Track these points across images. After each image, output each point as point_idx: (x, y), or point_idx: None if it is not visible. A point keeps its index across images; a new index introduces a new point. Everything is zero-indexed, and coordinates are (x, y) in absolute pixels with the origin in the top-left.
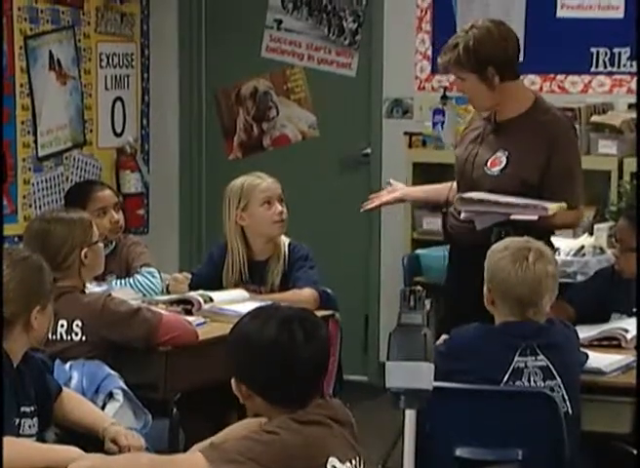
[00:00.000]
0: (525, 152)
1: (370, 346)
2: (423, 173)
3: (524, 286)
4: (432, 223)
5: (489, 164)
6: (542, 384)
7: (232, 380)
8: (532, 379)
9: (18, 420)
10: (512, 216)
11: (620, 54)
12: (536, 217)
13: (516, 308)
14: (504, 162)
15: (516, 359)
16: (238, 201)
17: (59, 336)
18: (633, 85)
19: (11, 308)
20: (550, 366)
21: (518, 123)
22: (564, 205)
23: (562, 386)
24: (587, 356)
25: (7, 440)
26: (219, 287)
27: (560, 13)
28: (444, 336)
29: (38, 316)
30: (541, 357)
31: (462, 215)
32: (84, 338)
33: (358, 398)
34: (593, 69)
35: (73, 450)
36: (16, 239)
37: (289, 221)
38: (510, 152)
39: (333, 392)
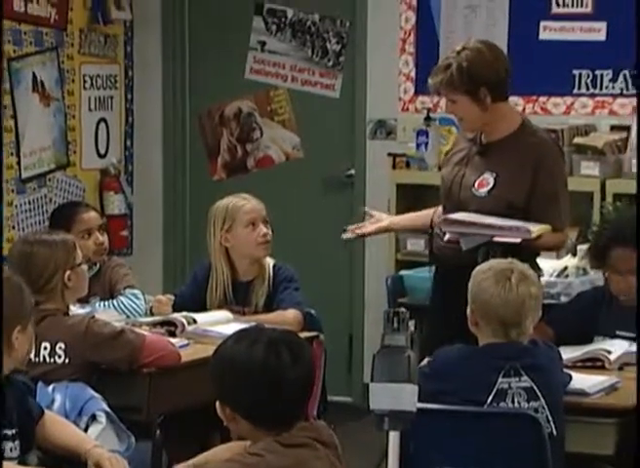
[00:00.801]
0: (512, 174)
1: (354, 367)
2: (407, 194)
3: (507, 307)
4: (416, 244)
5: (476, 185)
6: (526, 405)
7: (217, 403)
8: (516, 400)
9: None
10: (495, 239)
11: (602, 75)
12: (518, 240)
13: (499, 329)
14: (492, 183)
15: (500, 380)
16: (223, 222)
17: (42, 359)
18: (615, 106)
19: None
20: (534, 387)
21: (505, 144)
22: (548, 227)
23: (546, 407)
24: (571, 377)
25: None
26: (202, 307)
27: (542, 35)
28: (428, 358)
29: (19, 336)
30: (525, 378)
31: (447, 236)
32: (67, 361)
33: (342, 419)
34: (575, 91)
35: None
36: None
37: (273, 242)
38: (498, 173)
39: (317, 413)
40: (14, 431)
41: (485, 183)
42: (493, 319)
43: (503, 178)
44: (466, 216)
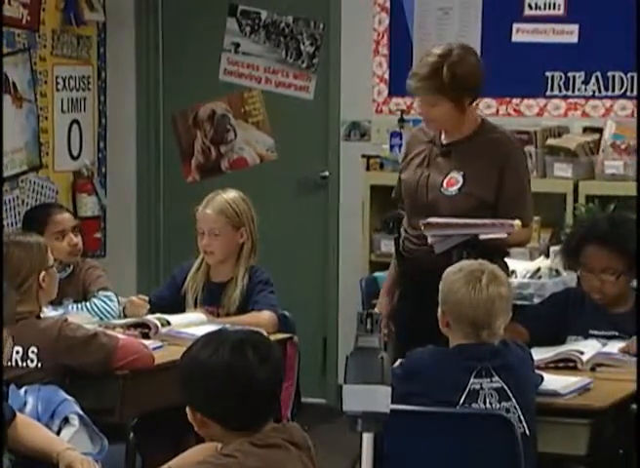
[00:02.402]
0: (480, 171)
1: (328, 369)
2: (381, 195)
3: (477, 308)
4: (390, 245)
5: (445, 184)
6: (498, 406)
7: (187, 409)
8: (487, 401)
9: None
10: (481, 236)
11: (574, 77)
12: (504, 235)
13: (470, 330)
14: (461, 181)
15: (472, 381)
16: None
17: (14, 363)
18: (587, 108)
19: None
20: (505, 387)
21: (468, 143)
22: (519, 222)
23: (518, 407)
24: (542, 377)
25: None
26: (180, 309)
27: (515, 37)
28: (400, 360)
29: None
30: (497, 378)
31: (430, 240)
32: (39, 365)
33: (316, 420)
34: (548, 93)
35: None
36: None
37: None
38: (465, 172)
39: (291, 414)
40: None
41: (454, 182)
42: (464, 320)
43: (472, 176)
44: (447, 219)
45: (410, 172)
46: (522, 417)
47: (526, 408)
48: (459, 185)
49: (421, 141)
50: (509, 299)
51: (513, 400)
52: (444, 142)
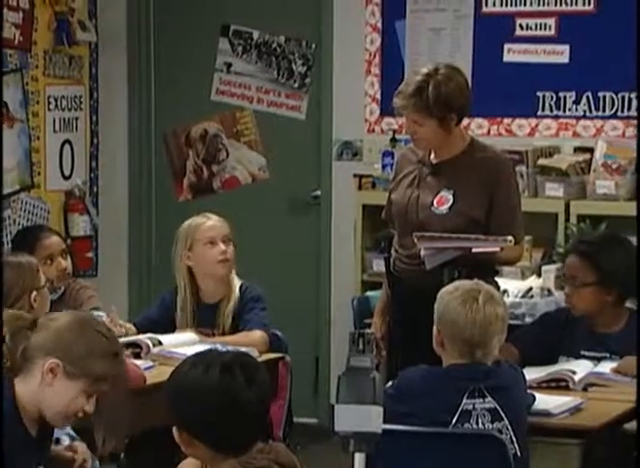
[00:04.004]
0: (470, 190)
1: (320, 388)
2: (373, 214)
3: (474, 327)
4: (381, 265)
5: (435, 203)
6: (491, 426)
7: (174, 429)
8: (480, 421)
9: None
10: (474, 249)
11: (565, 98)
12: (498, 248)
13: (465, 349)
14: (451, 200)
15: (464, 401)
16: (185, 241)
17: None
18: (579, 128)
19: None
20: (498, 407)
21: (458, 162)
22: (512, 238)
23: (510, 428)
24: (534, 397)
25: None
26: (170, 330)
27: (506, 57)
28: (392, 380)
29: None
30: (489, 399)
31: (422, 253)
32: None
33: (308, 440)
34: (540, 113)
35: None
36: None
37: (239, 263)
38: (455, 190)
39: (283, 434)
40: None
41: (444, 201)
42: (459, 339)
43: (462, 194)
44: (440, 233)
45: (400, 193)
46: (514, 438)
47: (518, 428)
48: (449, 204)
49: (411, 161)
50: (505, 319)
51: (505, 420)
52: (433, 162)
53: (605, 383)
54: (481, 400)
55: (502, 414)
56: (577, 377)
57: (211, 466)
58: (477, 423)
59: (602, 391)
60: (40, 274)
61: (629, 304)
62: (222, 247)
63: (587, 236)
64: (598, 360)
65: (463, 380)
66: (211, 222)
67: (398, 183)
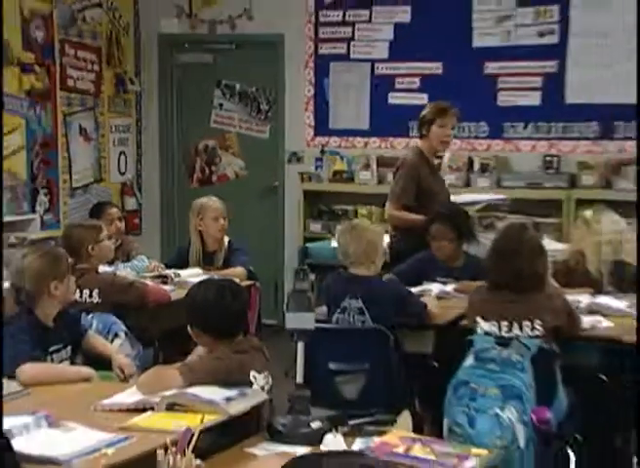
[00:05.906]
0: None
1: (278, 302)
2: (310, 197)
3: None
4: (315, 227)
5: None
6: (358, 318)
7: (188, 326)
8: (352, 315)
9: (47, 356)
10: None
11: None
12: None
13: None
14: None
15: (346, 300)
16: (198, 214)
17: (84, 300)
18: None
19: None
20: (363, 307)
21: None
22: None
23: (370, 321)
24: (425, 305)
25: (34, 365)
26: (185, 267)
27: (390, 100)
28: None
29: (58, 286)
30: (359, 300)
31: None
32: (99, 301)
33: (271, 334)
34: (410, 134)
35: (84, 369)
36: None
37: (229, 227)
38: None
39: (255, 330)
40: (61, 345)
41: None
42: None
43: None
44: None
45: (430, 182)
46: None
47: (378, 320)
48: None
49: (424, 165)
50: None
51: (367, 315)
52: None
53: (446, 297)
54: (355, 300)
55: (365, 311)
56: (433, 293)
57: (212, 349)
58: (350, 316)
59: (446, 301)
60: (103, 232)
61: (464, 248)
62: (222, 221)
63: (442, 208)
64: (444, 283)
65: (348, 285)
66: (216, 204)
67: (425, 179)
